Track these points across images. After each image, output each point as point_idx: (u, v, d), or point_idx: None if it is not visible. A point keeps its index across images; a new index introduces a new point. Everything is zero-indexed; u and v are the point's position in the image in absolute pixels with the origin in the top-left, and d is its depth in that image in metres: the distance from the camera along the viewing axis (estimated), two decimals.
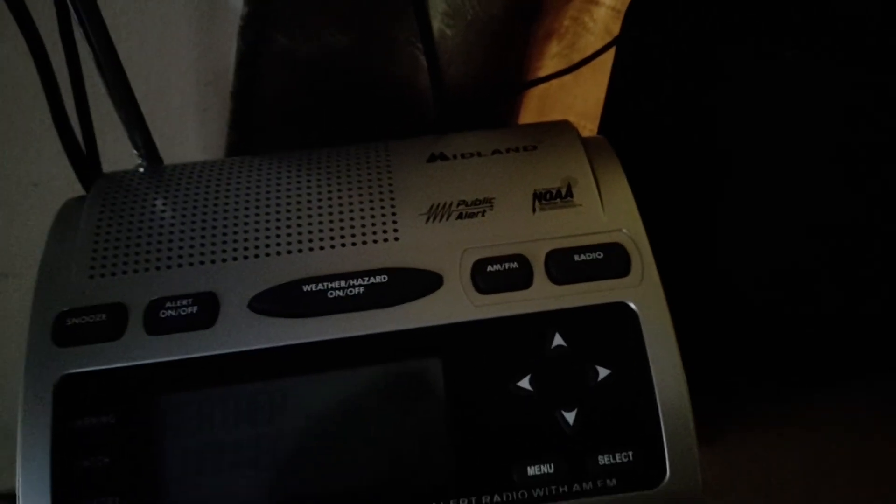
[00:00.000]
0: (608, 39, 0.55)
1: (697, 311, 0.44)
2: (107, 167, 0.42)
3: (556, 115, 0.61)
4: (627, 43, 0.47)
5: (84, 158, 0.42)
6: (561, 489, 0.33)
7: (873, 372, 0.50)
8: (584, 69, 0.60)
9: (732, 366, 0.48)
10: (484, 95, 0.49)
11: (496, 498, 0.32)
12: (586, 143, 0.40)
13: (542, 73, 0.58)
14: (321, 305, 0.34)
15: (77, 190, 0.40)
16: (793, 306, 0.48)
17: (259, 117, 0.46)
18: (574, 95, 0.62)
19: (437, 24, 0.46)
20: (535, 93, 0.62)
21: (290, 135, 0.48)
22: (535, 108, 0.61)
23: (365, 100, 0.48)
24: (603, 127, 0.50)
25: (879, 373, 0.50)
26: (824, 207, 0.46)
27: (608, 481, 0.33)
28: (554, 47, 0.61)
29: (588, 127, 0.57)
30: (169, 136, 0.50)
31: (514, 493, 0.32)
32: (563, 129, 0.41)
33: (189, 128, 0.51)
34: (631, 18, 0.48)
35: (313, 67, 0.46)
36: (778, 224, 0.47)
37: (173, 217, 0.37)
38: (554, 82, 0.62)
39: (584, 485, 0.33)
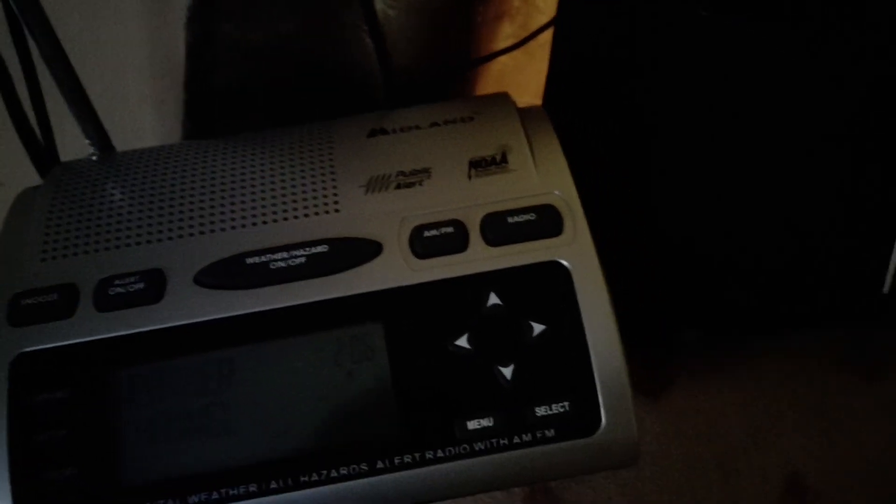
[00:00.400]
0: None
1: (640, 269, 0.45)
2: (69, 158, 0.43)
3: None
4: (565, 18, 0.49)
5: (42, 150, 0.43)
6: (501, 441, 0.34)
7: (813, 322, 0.52)
8: (537, 49, 0.61)
9: (675, 320, 0.49)
10: (431, 75, 0.50)
11: (439, 453, 0.34)
12: (522, 112, 0.41)
13: None
14: (264, 276, 0.35)
15: None
16: (728, 258, 0.49)
17: (213, 106, 0.48)
18: (529, 74, 0.63)
19: (380, 6, 0.47)
20: (491, 73, 0.63)
21: (244, 121, 0.49)
22: (490, 88, 0.62)
23: (316, 83, 0.49)
24: (546, 100, 0.52)
25: (819, 323, 0.52)
26: (752, 161, 0.47)
27: (546, 432, 0.34)
28: (506, 28, 0.62)
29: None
30: (128, 129, 0.52)
31: (457, 448, 0.34)
32: (499, 100, 0.43)
33: (146, 120, 0.52)
34: None
35: (262, 54, 0.47)
36: (710, 180, 0.48)
37: (122, 200, 0.38)
38: (509, 62, 0.63)
39: (523, 436, 0.34)
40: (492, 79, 0.63)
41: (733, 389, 0.51)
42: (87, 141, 0.41)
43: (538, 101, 0.61)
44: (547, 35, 0.58)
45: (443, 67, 0.52)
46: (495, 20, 0.60)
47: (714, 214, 0.48)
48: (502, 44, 0.61)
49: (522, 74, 0.63)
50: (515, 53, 0.61)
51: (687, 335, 0.49)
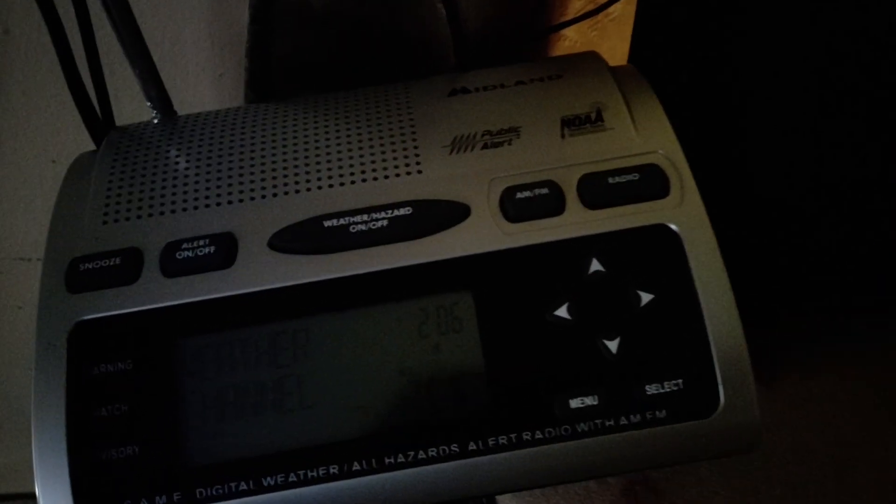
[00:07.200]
0: None
1: (747, 241, 0.41)
2: None
3: None
4: None
5: (97, 117, 0.41)
6: (607, 422, 0.30)
7: None
8: (608, 24, 0.58)
9: (787, 297, 0.45)
10: (502, 43, 0.48)
11: (537, 434, 0.30)
12: (614, 70, 0.38)
13: None
14: (343, 240, 0.33)
15: None
16: (841, 227, 0.45)
17: (275, 74, 0.45)
18: (600, 50, 0.60)
19: None
20: (560, 50, 0.60)
21: (307, 90, 0.46)
22: None
23: (382, 51, 0.47)
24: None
25: None
26: (850, 116, 0.43)
27: (657, 412, 0.30)
28: (577, 2, 0.60)
29: None
30: (186, 102, 0.49)
31: (557, 429, 0.30)
32: (588, 58, 0.40)
33: (205, 93, 0.50)
34: None
35: (327, 20, 0.45)
36: (813, 139, 0.44)
37: (188, 162, 0.36)
38: (579, 38, 0.60)
39: (631, 417, 0.30)
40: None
41: (844, 377, 0.47)
42: (147, 104, 0.39)
43: None
44: (618, 10, 0.56)
45: (514, 35, 0.49)
46: None
47: (819, 176, 0.44)
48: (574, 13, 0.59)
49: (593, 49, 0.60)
50: (586, 30, 0.59)
51: (797, 321, 0.44)
